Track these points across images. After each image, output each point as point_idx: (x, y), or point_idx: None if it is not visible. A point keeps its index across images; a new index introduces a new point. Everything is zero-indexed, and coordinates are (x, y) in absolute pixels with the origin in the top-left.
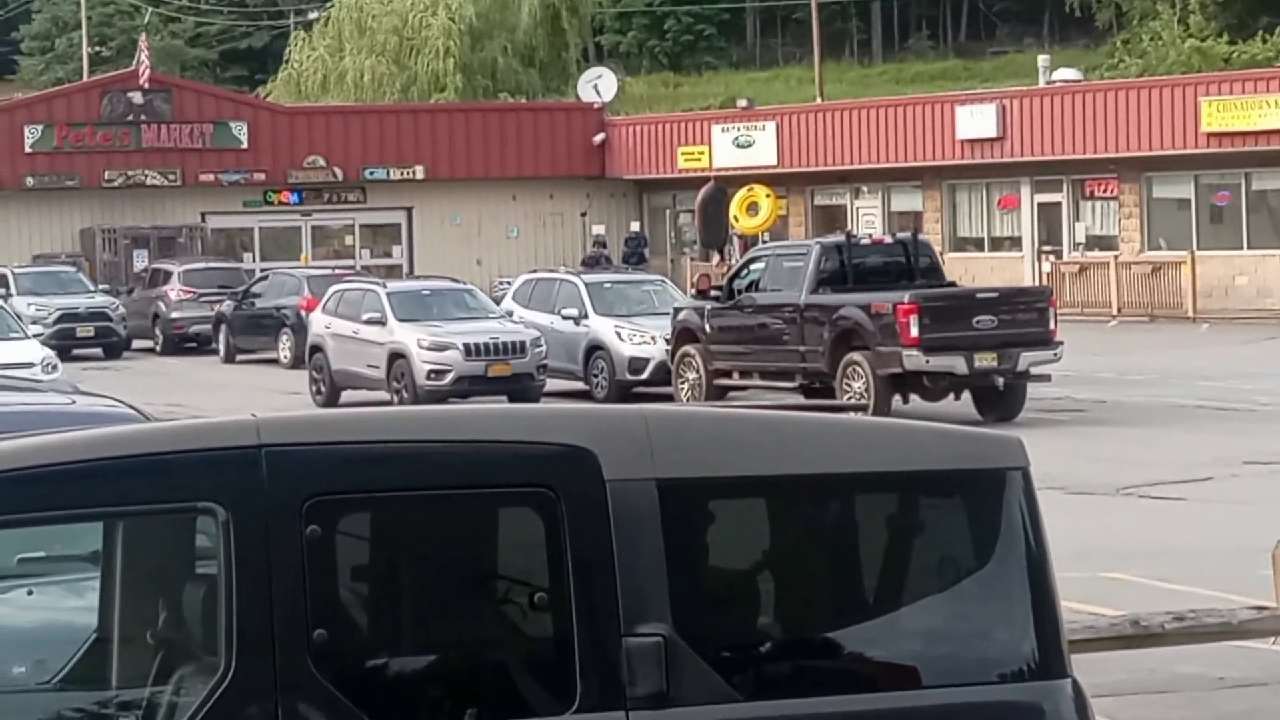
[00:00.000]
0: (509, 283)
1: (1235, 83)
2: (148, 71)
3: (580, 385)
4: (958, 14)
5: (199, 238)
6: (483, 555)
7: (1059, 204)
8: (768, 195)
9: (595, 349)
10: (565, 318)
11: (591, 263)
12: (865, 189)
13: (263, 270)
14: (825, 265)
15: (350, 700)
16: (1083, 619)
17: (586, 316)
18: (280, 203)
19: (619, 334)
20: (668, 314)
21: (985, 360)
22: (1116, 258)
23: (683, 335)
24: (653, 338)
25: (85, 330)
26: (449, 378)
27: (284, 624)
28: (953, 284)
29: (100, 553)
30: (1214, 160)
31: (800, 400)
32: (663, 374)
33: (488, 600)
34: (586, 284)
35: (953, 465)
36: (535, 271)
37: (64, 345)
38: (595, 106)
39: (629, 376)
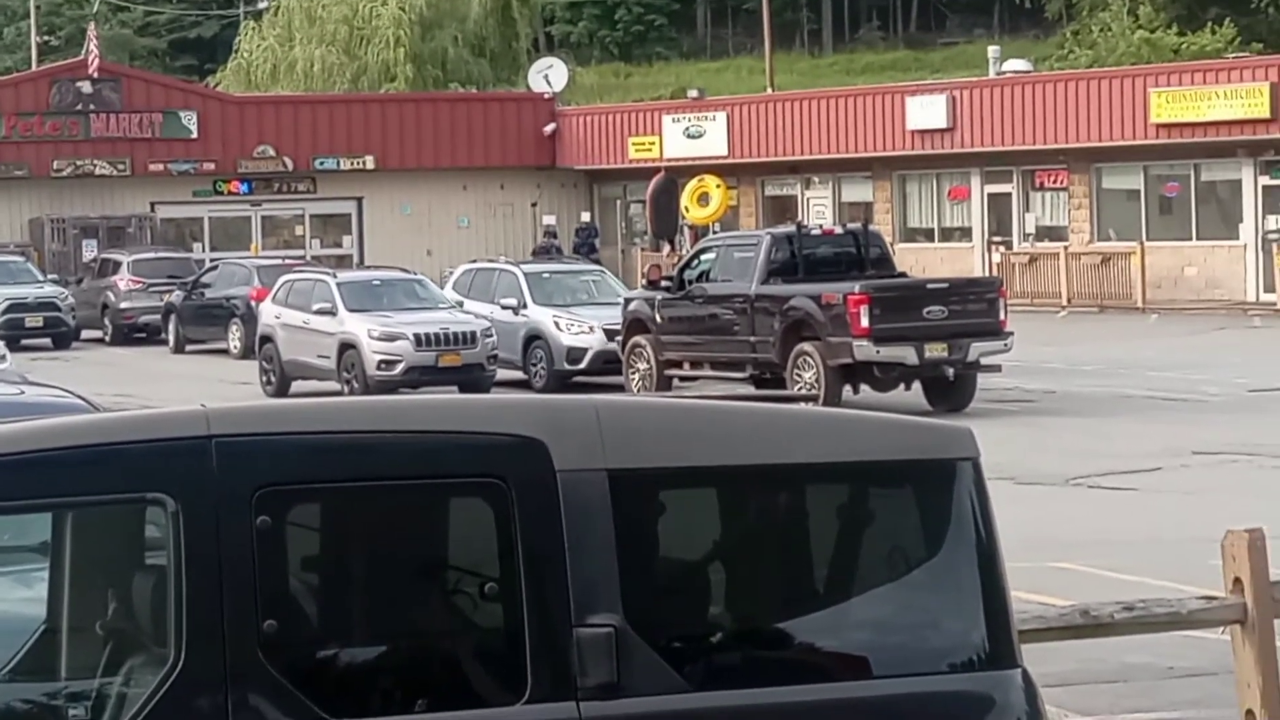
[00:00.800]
0: None
1: (1184, 74)
2: (96, 61)
3: (519, 375)
4: (908, 5)
5: (148, 227)
6: (433, 546)
7: (1009, 195)
8: (718, 185)
9: (534, 339)
10: (504, 307)
11: (542, 252)
12: (816, 179)
13: (212, 260)
14: (776, 256)
15: (300, 691)
16: (1032, 609)
17: (525, 306)
18: (230, 192)
19: (557, 324)
20: (606, 304)
21: (935, 351)
22: (1066, 248)
23: (634, 326)
24: (590, 328)
25: (34, 320)
26: (399, 368)
27: (234, 615)
28: (903, 274)
29: (49, 543)
30: (1163, 151)
31: (751, 390)
32: (600, 364)
33: (438, 591)
34: (525, 274)
35: (903, 455)
36: (475, 261)
37: (12, 335)
38: (546, 96)
39: (567, 366)
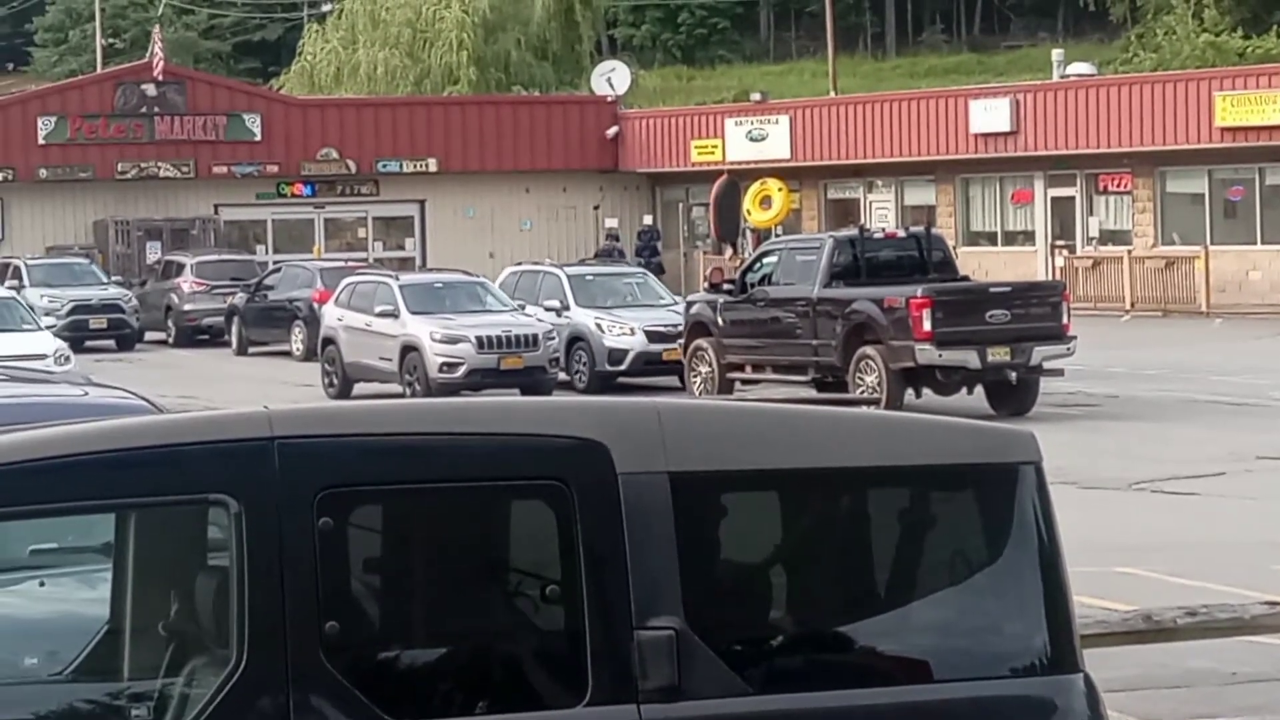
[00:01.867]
0: None
1: (1249, 77)
2: (161, 63)
3: (562, 376)
4: (972, 8)
5: (212, 230)
6: (495, 548)
7: (1072, 198)
8: (781, 189)
9: (576, 340)
10: (548, 309)
11: (604, 255)
12: (879, 183)
13: (275, 263)
14: (838, 259)
15: (361, 692)
16: (1095, 614)
17: (568, 308)
18: (293, 195)
19: (599, 325)
20: (648, 306)
21: (998, 355)
22: (1130, 252)
23: (696, 329)
24: (632, 329)
25: (98, 322)
26: (461, 370)
27: (296, 616)
28: (966, 278)
29: (112, 544)
30: (1228, 155)
31: (813, 394)
32: (641, 365)
33: (499, 593)
34: (569, 276)
35: (965, 459)
36: (520, 264)
37: (77, 337)
38: (609, 100)
39: (609, 367)
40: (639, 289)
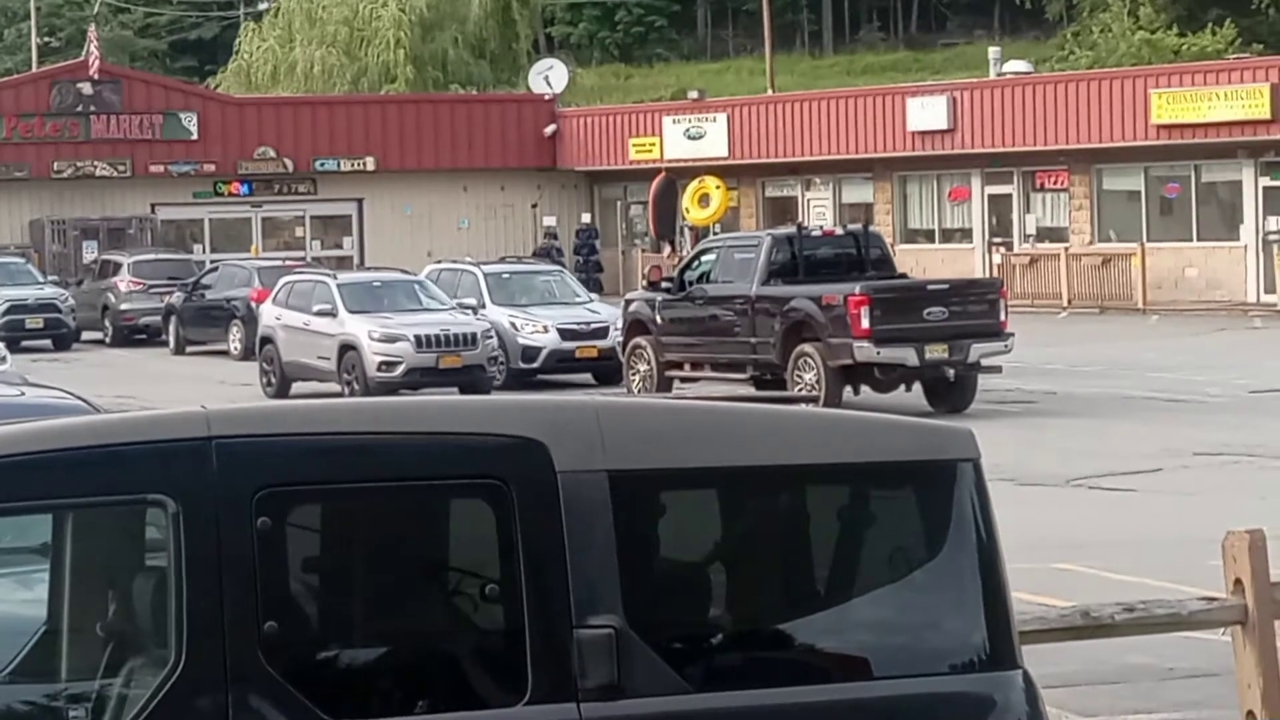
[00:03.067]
0: None
1: (1185, 75)
2: (97, 62)
3: None
4: (908, 6)
5: (149, 229)
6: (434, 547)
7: (1009, 196)
8: (719, 187)
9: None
10: (464, 307)
11: (543, 254)
12: (816, 180)
13: (213, 262)
14: (776, 257)
15: (301, 692)
16: (1033, 610)
17: (484, 306)
18: (230, 194)
19: (513, 323)
20: (564, 304)
21: (936, 352)
22: (1067, 249)
23: (634, 327)
24: (545, 327)
25: (34, 322)
26: (400, 369)
27: (234, 616)
28: (904, 276)
29: (49, 544)
30: (1164, 152)
31: (751, 392)
32: (554, 362)
33: (439, 592)
34: (485, 274)
35: (904, 457)
36: (440, 263)
37: (13, 337)
38: (546, 98)
39: (522, 364)
40: (556, 287)
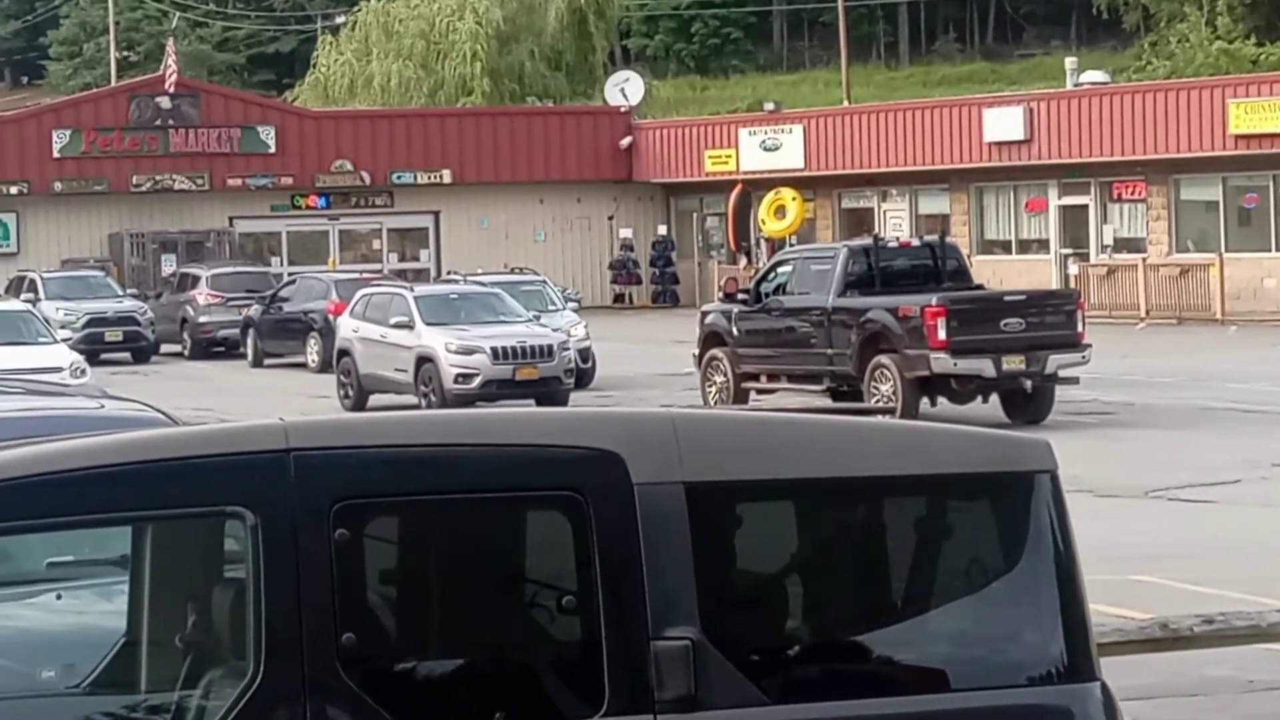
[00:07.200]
0: None
1: (1263, 84)
2: (175, 76)
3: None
4: (985, 16)
5: (227, 242)
6: (511, 559)
7: (1086, 206)
8: (795, 198)
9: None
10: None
11: (619, 266)
12: (893, 192)
13: (290, 274)
14: (853, 268)
15: (378, 704)
16: (1111, 622)
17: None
18: (308, 207)
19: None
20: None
21: (1013, 363)
22: (1144, 260)
23: (710, 338)
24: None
25: (114, 334)
26: (476, 381)
27: (312, 628)
28: (980, 287)
29: (129, 556)
30: (1242, 162)
31: (828, 403)
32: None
33: (516, 604)
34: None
35: (981, 468)
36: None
37: (92, 350)
38: (622, 110)
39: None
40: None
